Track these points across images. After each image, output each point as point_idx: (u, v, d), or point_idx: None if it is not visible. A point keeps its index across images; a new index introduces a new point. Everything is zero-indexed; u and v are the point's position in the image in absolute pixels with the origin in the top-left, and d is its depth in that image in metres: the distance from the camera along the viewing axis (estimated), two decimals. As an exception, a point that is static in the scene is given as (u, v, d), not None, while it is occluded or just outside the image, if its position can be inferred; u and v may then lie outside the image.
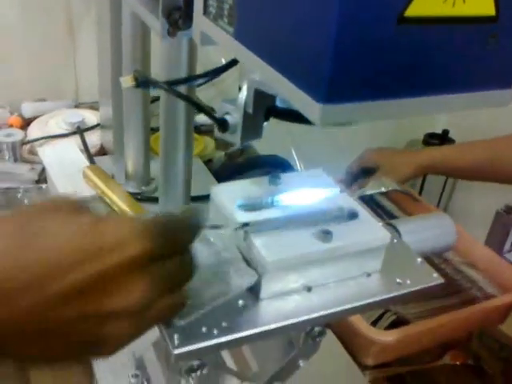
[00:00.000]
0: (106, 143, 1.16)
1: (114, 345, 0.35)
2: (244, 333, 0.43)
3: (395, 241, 0.56)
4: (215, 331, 0.43)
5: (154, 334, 0.58)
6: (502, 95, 0.36)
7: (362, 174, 1.06)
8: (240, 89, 0.42)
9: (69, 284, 0.31)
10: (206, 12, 0.42)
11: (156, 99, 0.97)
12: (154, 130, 0.99)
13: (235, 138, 0.42)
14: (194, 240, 0.38)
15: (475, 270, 0.91)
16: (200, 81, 0.52)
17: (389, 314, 0.79)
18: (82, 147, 1.10)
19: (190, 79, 0.47)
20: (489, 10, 0.32)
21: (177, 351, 0.41)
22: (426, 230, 0.60)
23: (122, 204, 0.92)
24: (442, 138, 1.82)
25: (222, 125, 0.41)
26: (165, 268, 0.35)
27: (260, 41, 0.35)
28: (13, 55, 1.29)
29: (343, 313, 0.47)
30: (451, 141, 1.80)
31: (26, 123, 1.24)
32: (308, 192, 0.53)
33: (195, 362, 0.45)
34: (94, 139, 1.16)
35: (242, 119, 0.41)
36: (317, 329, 0.49)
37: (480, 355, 0.82)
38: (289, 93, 0.32)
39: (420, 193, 1.74)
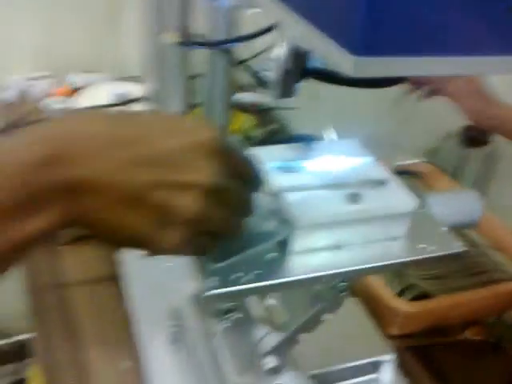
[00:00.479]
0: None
1: (168, 242, 0.39)
2: (274, 281, 0.47)
3: (422, 210, 0.59)
4: (247, 277, 0.46)
5: (191, 287, 0.63)
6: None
7: None
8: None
9: (156, 150, 0.37)
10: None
11: (195, 76, 1.02)
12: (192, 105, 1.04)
13: (272, 94, 0.45)
14: (255, 186, 0.44)
15: (503, 254, 0.93)
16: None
17: (412, 288, 0.82)
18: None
19: (230, 41, 0.50)
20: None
21: (211, 292, 0.45)
22: (452, 204, 0.62)
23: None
24: (482, 131, 1.81)
25: (261, 80, 0.44)
26: (230, 181, 0.40)
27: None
28: (61, 29, 1.34)
29: (367, 270, 0.51)
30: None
31: (73, 93, 1.30)
32: (340, 159, 0.56)
33: (228, 306, 0.49)
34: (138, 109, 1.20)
35: (280, 75, 0.44)
36: (341, 284, 0.52)
37: (501, 334, 0.84)
38: (325, 47, 0.35)
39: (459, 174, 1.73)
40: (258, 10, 0.47)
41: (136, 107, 1.21)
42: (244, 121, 1.24)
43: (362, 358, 0.68)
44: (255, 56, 0.52)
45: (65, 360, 0.72)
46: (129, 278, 0.80)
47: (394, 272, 0.84)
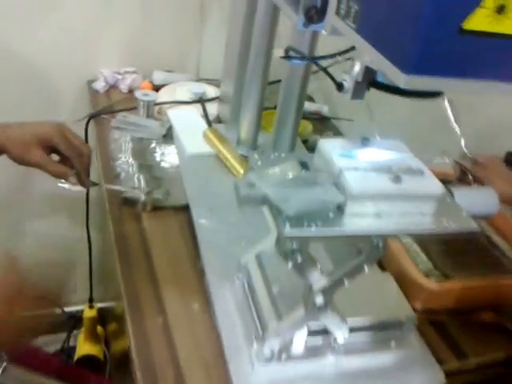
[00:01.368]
0: (221, 114, 1.39)
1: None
2: (335, 232, 0.64)
3: (449, 199, 0.75)
4: (313, 226, 0.63)
5: (258, 247, 0.81)
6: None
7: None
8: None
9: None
10: (337, 12, 0.63)
11: (272, 83, 1.21)
12: (265, 108, 1.22)
13: (346, 96, 0.63)
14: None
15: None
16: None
17: (438, 271, 0.97)
18: (202, 114, 1.34)
19: (325, 57, 0.67)
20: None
21: (287, 233, 0.62)
22: (474, 197, 0.78)
23: (233, 161, 1.16)
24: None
25: (340, 86, 0.62)
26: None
27: (372, 34, 0.56)
28: (149, 29, 1.54)
29: (400, 232, 0.68)
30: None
31: (155, 89, 1.49)
32: (388, 152, 0.74)
33: (295, 247, 0.66)
34: (211, 109, 1.39)
35: (353, 85, 0.62)
36: (379, 243, 0.69)
37: None
38: (386, 67, 0.53)
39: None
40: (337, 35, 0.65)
41: (210, 107, 1.40)
42: (304, 126, 1.42)
43: (388, 315, 0.84)
44: (332, 65, 0.69)
45: (146, 296, 0.90)
46: (203, 238, 0.98)
47: (425, 255, 1.00)
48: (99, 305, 1.81)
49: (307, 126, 1.42)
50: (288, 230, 0.63)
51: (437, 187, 0.70)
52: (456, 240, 1.06)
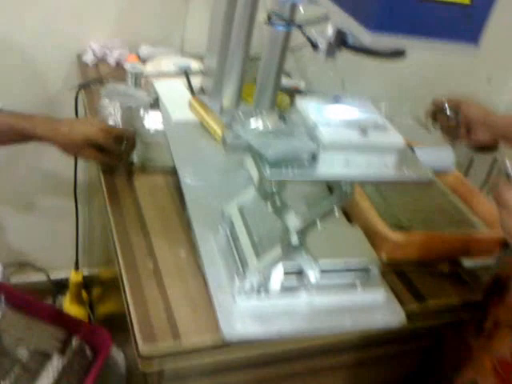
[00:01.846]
0: (205, 86, 1.48)
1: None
2: (308, 175, 0.74)
3: (409, 154, 0.85)
4: (291, 169, 0.73)
5: (239, 199, 0.90)
6: (473, 48, 0.65)
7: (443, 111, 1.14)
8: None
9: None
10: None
11: (252, 59, 1.30)
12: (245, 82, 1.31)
13: (320, 55, 0.72)
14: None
15: (476, 216, 1.18)
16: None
17: (401, 225, 1.08)
18: (187, 86, 1.42)
19: (303, 23, 0.76)
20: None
21: (268, 176, 0.72)
22: (432, 154, 0.89)
23: (216, 127, 1.25)
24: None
25: (315, 46, 0.71)
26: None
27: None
28: (136, 5, 1.61)
29: (365, 179, 0.78)
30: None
31: (141, 62, 1.57)
32: (356, 109, 0.83)
33: (274, 190, 0.76)
34: (195, 82, 1.47)
35: (326, 45, 0.71)
36: (349, 185, 0.79)
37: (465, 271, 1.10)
38: (354, 27, 0.62)
39: (467, 172, 1.98)
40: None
41: (194, 80, 1.48)
42: (282, 99, 1.52)
43: (355, 260, 0.94)
44: (306, 24, 0.78)
45: (137, 244, 0.99)
46: (188, 194, 1.08)
47: (389, 210, 1.10)
48: (84, 272, 1.89)
49: (285, 99, 1.51)
50: (269, 173, 0.72)
51: (399, 141, 0.80)
52: (417, 197, 1.17)
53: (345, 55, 0.81)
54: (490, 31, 0.68)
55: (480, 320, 1.08)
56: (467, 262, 1.11)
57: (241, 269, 0.90)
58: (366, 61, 0.78)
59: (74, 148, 1.11)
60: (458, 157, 0.96)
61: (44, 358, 1.10)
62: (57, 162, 1.66)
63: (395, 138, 0.81)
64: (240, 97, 1.34)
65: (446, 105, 1.13)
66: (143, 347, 0.82)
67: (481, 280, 1.10)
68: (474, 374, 0.98)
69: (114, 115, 1.25)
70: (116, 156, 1.14)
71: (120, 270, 0.93)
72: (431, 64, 1.43)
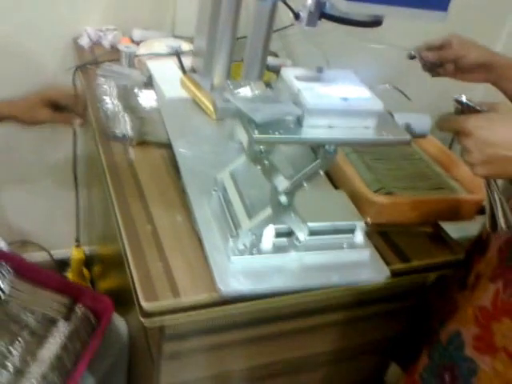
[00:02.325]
0: (196, 66, 1.53)
1: None
2: (293, 136, 0.80)
3: (388, 118, 0.91)
4: (277, 133, 0.79)
5: (231, 166, 0.96)
6: (442, 15, 0.71)
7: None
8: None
9: None
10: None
11: (239, 38, 1.35)
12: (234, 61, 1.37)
13: (302, 24, 0.78)
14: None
15: (456, 182, 1.25)
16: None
17: (384, 190, 1.14)
18: (179, 65, 1.48)
19: None
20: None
21: (256, 137, 0.78)
22: (410, 118, 0.95)
23: (207, 103, 1.31)
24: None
25: (297, 15, 0.77)
26: None
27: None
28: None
29: (348, 141, 0.84)
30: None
31: (135, 44, 1.62)
32: (339, 78, 0.89)
33: (263, 150, 0.82)
34: (185, 62, 1.53)
35: (307, 14, 0.77)
36: (331, 147, 0.85)
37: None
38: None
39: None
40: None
41: (185, 60, 1.54)
42: (270, 77, 1.57)
43: (341, 221, 1.00)
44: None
45: (136, 211, 1.05)
46: (183, 163, 1.14)
47: (373, 176, 1.16)
48: (85, 251, 1.95)
49: (272, 77, 1.58)
50: (257, 135, 0.78)
51: (378, 105, 0.87)
52: (399, 164, 1.23)
53: (330, 35, 0.88)
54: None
55: (463, 276, 1.15)
56: (451, 230, 1.18)
57: (234, 230, 0.96)
58: (350, 41, 0.84)
59: (30, 111, 1.13)
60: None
61: (50, 323, 1.17)
62: (55, 140, 1.72)
63: (375, 104, 0.87)
64: (229, 75, 1.40)
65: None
66: (145, 304, 0.88)
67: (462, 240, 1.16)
68: (457, 325, 1.04)
69: (109, 93, 1.31)
70: (71, 115, 1.18)
71: (121, 235, 0.99)
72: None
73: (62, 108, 1.18)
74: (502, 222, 0.89)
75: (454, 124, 0.82)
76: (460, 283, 1.16)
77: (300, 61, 1.78)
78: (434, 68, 1.14)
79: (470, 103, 0.82)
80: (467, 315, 1.02)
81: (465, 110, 0.83)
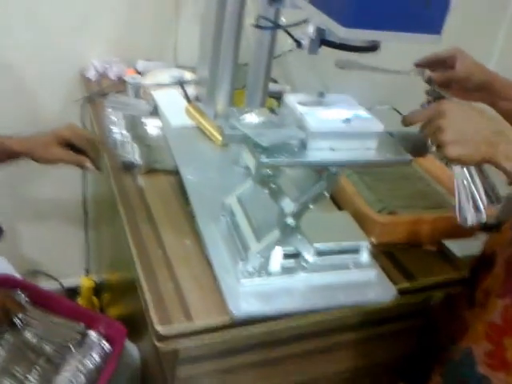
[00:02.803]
0: (199, 94, 1.58)
1: None
2: (298, 160, 0.83)
3: (389, 139, 0.94)
4: (284, 157, 0.82)
5: (238, 191, 0.99)
6: (436, 37, 0.74)
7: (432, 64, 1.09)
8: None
9: None
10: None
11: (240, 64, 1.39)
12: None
13: (307, 51, 0.82)
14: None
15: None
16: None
17: (387, 210, 1.16)
18: (183, 94, 1.52)
19: (289, 25, 0.86)
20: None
21: (263, 161, 0.81)
22: (409, 138, 0.98)
23: (212, 130, 1.34)
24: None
25: (298, 43, 0.81)
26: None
27: (319, 1, 0.75)
28: (130, 25, 1.72)
29: (350, 162, 0.87)
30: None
31: (139, 74, 1.67)
32: (340, 102, 0.93)
33: (268, 174, 0.85)
34: (189, 90, 1.57)
35: (309, 42, 0.81)
36: (335, 169, 0.88)
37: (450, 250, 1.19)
38: (331, 25, 0.72)
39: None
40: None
41: (188, 90, 1.58)
42: (270, 103, 1.61)
43: (347, 242, 1.03)
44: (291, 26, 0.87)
45: (147, 236, 1.07)
46: (190, 189, 1.17)
47: (375, 197, 1.19)
48: (94, 277, 1.97)
49: (272, 103, 1.62)
50: (264, 159, 0.81)
51: (378, 127, 0.90)
52: (400, 184, 1.26)
53: (326, 60, 0.91)
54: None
55: (471, 293, 1.16)
56: (454, 247, 1.20)
57: (243, 253, 0.98)
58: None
59: (45, 149, 1.14)
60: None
61: (65, 350, 1.18)
62: (65, 172, 1.75)
63: (375, 125, 0.90)
64: (232, 102, 1.44)
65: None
66: (160, 328, 0.90)
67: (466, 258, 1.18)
68: (468, 343, 1.04)
69: (117, 124, 1.35)
70: (84, 157, 1.16)
71: (133, 260, 1.02)
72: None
73: (77, 149, 1.17)
74: (469, 215, 0.91)
75: (429, 110, 0.86)
76: (468, 300, 1.17)
77: (298, 85, 1.83)
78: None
79: (441, 91, 0.92)
80: (478, 332, 1.02)
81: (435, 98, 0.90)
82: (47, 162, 1.15)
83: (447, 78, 1.07)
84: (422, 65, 1.09)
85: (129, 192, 1.20)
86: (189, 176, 1.19)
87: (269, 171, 0.85)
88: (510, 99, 1.09)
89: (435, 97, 0.92)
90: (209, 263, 1.02)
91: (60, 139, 1.14)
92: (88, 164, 1.15)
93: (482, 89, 1.10)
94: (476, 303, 1.13)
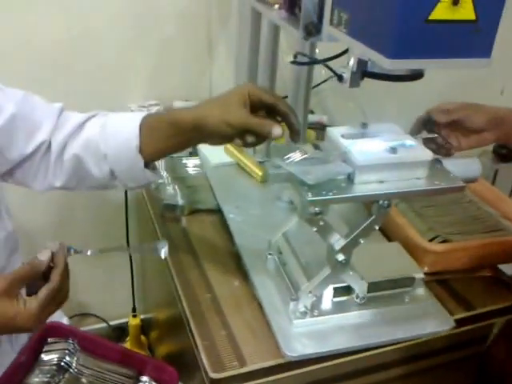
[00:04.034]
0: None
1: None
2: (347, 195, 0.81)
3: (438, 166, 0.91)
4: (330, 193, 0.80)
5: (283, 228, 0.97)
6: (486, 61, 0.72)
7: (428, 122, 1.05)
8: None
9: None
10: (331, 23, 0.81)
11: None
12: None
13: (346, 85, 0.80)
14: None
15: (508, 219, 1.22)
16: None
17: (439, 238, 1.13)
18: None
19: (330, 58, 0.84)
20: (471, 16, 0.68)
21: (310, 199, 0.79)
22: (459, 164, 0.94)
23: (252, 166, 1.33)
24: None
25: (340, 77, 0.79)
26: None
27: (360, 33, 0.73)
28: (167, 66, 1.73)
29: (400, 193, 0.84)
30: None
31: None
32: (384, 131, 0.90)
33: (318, 210, 0.82)
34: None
35: (350, 75, 0.79)
36: (386, 202, 0.85)
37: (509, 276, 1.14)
38: (374, 56, 0.70)
39: (493, 183, 2.00)
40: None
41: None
42: (309, 134, 1.60)
43: (399, 274, 0.99)
44: (330, 59, 0.85)
45: (194, 279, 1.06)
46: (234, 228, 1.15)
47: (426, 225, 1.15)
48: (141, 316, 1.97)
49: (311, 135, 1.61)
50: (310, 198, 0.79)
51: (427, 155, 0.87)
52: (450, 210, 1.22)
53: (362, 86, 0.89)
54: (501, 42, 0.74)
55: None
56: (508, 270, 1.15)
57: (293, 292, 0.96)
58: (379, 87, 0.85)
59: (223, 112, 0.85)
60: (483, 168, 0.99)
61: (117, 396, 1.17)
62: (109, 210, 1.77)
63: (423, 153, 0.87)
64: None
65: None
66: (213, 375, 0.88)
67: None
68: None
69: (158, 166, 1.35)
70: (269, 121, 0.86)
71: (182, 305, 1.00)
72: (444, 79, 1.49)
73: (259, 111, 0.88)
74: None
75: None
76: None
77: (335, 115, 1.80)
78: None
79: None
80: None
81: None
82: (224, 132, 0.85)
83: (450, 116, 1.03)
84: (416, 131, 1.06)
85: (172, 234, 1.19)
86: (231, 215, 1.18)
87: (316, 208, 0.82)
88: None
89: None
90: (259, 304, 0.99)
91: (242, 97, 0.85)
92: (275, 129, 0.84)
93: (489, 125, 1.04)
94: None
